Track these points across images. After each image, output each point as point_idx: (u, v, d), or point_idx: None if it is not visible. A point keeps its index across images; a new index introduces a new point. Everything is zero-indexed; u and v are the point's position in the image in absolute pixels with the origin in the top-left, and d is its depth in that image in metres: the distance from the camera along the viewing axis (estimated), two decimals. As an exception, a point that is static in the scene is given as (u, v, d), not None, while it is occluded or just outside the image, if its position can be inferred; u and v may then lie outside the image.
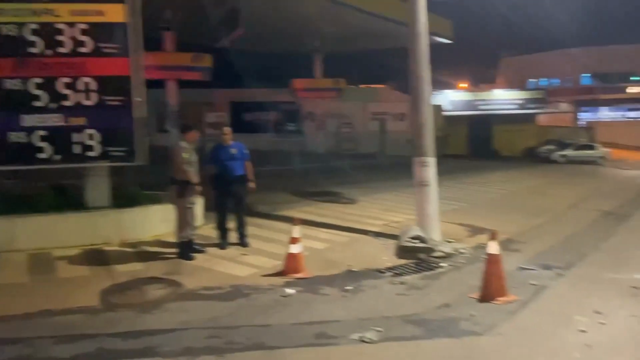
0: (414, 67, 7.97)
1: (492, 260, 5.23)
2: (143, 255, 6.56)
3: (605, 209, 12.10)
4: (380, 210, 10.58)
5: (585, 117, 51.84)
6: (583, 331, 4.34)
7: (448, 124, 31.24)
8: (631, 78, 47.13)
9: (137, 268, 6.11)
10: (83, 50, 6.64)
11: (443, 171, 19.85)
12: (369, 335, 4.14)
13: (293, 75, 24.55)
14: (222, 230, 7.13)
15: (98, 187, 7.34)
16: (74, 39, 6.61)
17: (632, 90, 44.17)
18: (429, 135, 8.01)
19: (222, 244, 7.03)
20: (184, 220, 6.46)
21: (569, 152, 29.48)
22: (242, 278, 5.84)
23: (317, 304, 5.05)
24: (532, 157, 31.18)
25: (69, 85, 6.63)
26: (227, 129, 7.21)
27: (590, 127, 42.17)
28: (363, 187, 13.82)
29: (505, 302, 5.09)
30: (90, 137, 6.74)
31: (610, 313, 4.82)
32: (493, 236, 5.30)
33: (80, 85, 6.65)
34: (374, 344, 4.02)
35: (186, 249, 6.51)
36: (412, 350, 3.94)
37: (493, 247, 5.25)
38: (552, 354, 3.87)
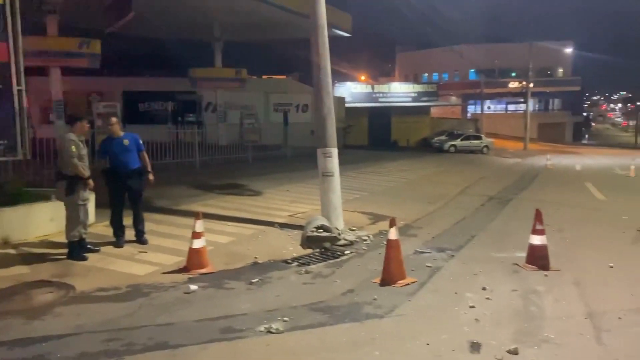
0: (316, 59, 8.06)
1: (391, 245, 5.47)
2: (29, 258, 5.99)
3: (490, 194, 13.21)
4: (285, 201, 10.63)
5: (472, 109, 56.07)
6: (472, 307, 4.70)
7: (350, 115, 32.13)
8: (512, 74, 51.66)
9: (22, 271, 5.57)
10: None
11: (345, 161, 20.40)
12: (276, 325, 4.15)
13: (193, 64, 23.71)
14: (118, 227, 6.73)
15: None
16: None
17: (512, 85, 48.39)
18: (331, 127, 8.16)
19: (118, 242, 6.64)
20: (75, 218, 6.00)
21: (457, 143, 31.68)
22: (141, 277, 5.56)
23: (222, 298, 4.96)
24: (427, 147, 33.14)
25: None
26: (114, 119, 6.79)
27: (476, 119, 45.67)
28: (268, 178, 13.79)
29: (404, 285, 5.36)
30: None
31: (495, 289, 5.27)
32: (392, 223, 5.54)
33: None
34: (281, 334, 4.04)
35: (77, 248, 6.05)
36: (318, 337, 4.02)
37: (392, 233, 5.50)
38: (446, 330, 4.15)
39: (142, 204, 7.02)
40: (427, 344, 3.87)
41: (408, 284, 5.42)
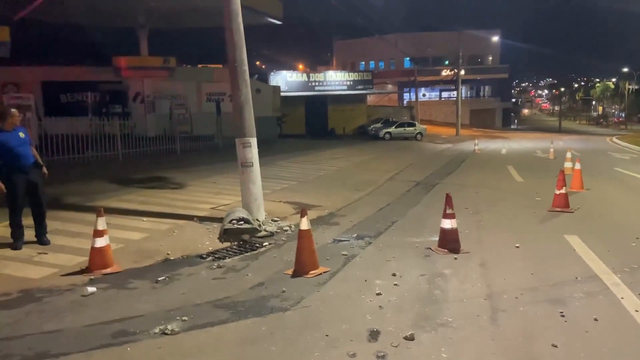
0: (231, 47, 7.81)
1: (302, 235, 5.39)
2: None
3: (416, 179, 13.50)
4: (210, 194, 10.33)
5: (408, 97, 57.33)
6: (379, 294, 4.70)
7: (286, 104, 31.89)
8: (445, 62, 53.13)
9: None
10: None
11: (278, 151, 20.26)
12: (172, 326, 3.96)
13: (119, 53, 22.61)
14: (16, 228, 6.24)
15: None
16: None
17: (445, 73, 49.84)
18: (249, 116, 7.95)
19: (16, 244, 6.17)
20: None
21: (392, 130, 32.28)
22: (37, 280, 5.18)
23: (122, 300, 4.70)
24: (363, 135, 33.55)
25: None
26: (15, 111, 6.28)
27: (411, 107, 46.74)
28: (195, 170, 13.40)
29: (316, 275, 5.31)
30: None
31: (404, 274, 5.32)
32: (303, 213, 5.46)
33: None
34: (176, 335, 3.85)
35: (-34, 253, 5.56)
36: (216, 336, 3.87)
37: (303, 223, 5.41)
38: (348, 319, 4.11)
39: (44, 201, 6.56)
40: (327, 335, 3.81)
41: (320, 273, 5.37)
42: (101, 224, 5.57)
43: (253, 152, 7.94)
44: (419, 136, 32.87)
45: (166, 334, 3.87)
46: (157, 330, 3.92)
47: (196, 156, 16.57)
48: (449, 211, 6.22)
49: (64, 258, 5.92)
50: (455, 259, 5.91)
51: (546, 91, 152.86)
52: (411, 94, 53.44)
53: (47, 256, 5.98)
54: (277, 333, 3.87)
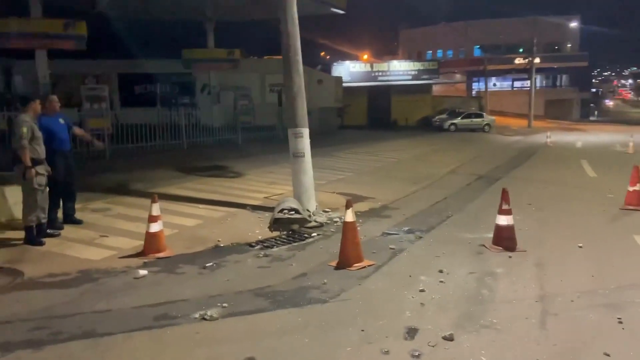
0: (285, 37, 7.83)
1: (347, 227, 5.33)
2: (-16, 243, 5.93)
3: (479, 173, 12.98)
4: (265, 183, 10.49)
5: (477, 87, 55.25)
6: (422, 290, 4.56)
7: (348, 95, 31.72)
8: (520, 50, 50.59)
9: (-27, 258, 5.51)
10: None
11: (337, 142, 20.19)
12: (211, 312, 4.05)
13: (188, 46, 23.40)
14: (56, 208, 6.63)
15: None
16: None
17: (518, 61, 47.50)
18: (302, 106, 7.95)
19: (55, 224, 6.52)
20: (32, 202, 5.91)
21: (458, 121, 31.22)
22: (96, 262, 5.48)
23: (168, 284, 4.86)
24: (427, 127, 32.71)
25: None
26: (55, 97, 6.67)
27: (480, 97, 44.97)
28: (254, 160, 13.66)
29: (360, 268, 5.23)
30: None
31: (452, 271, 5.12)
32: (348, 204, 5.39)
33: None
34: (214, 321, 3.93)
35: (35, 233, 5.97)
36: (251, 324, 3.91)
37: (349, 215, 5.35)
38: (386, 315, 4.02)
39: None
40: (362, 330, 3.74)
41: (364, 267, 5.29)
42: (155, 209, 5.79)
43: (305, 143, 7.94)
44: (486, 128, 31.57)
45: (205, 319, 3.96)
46: (197, 316, 4.02)
47: (257, 146, 16.86)
48: (505, 207, 5.91)
49: (123, 241, 6.23)
50: (510, 257, 5.62)
51: (630, 81, 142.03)
52: (480, 83, 51.40)
53: (108, 239, 6.32)
54: (312, 325, 3.85)
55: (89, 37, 15.32)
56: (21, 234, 6.08)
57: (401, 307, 4.21)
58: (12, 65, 20.07)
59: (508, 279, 4.92)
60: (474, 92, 54.42)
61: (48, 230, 6.24)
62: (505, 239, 5.91)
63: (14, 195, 6.80)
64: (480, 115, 32.96)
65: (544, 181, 11.64)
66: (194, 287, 4.74)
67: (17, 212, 6.77)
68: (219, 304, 4.26)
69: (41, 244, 5.94)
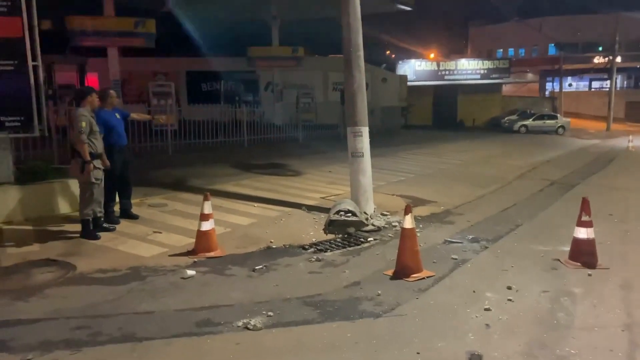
0: (346, 30, 7.50)
1: (405, 235, 4.93)
2: (44, 235, 6.03)
3: (552, 178, 12.05)
4: (323, 183, 10.22)
5: (551, 87, 52.31)
6: (488, 309, 4.08)
7: (413, 94, 30.94)
8: (599, 48, 47.36)
9: (32, 249, 5.59)
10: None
11: (400, 142, 19.65)
12: (255, 321, 3.80)
13: (251, 43, 23.69)
14: (112, 202, 6.68)
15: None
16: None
17: (597, 60, 44.48)
18: (362, 104, 7.58)
19: (111, 217, 6.57)
20: (88, 196, 5.95)
21: (529, 122, 29.63)
22: (146, 259, 5.41)
23: (216, 286, 4.68)
24: (495, 128, 31.29)
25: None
26: (113, 92, 6.70)
27: (553, 97, 42.54)
28: (314, 158, 13.45)
29: (418, 279, 4.82)
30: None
31: (522, 288, 4.59)
32: (407, 210, 4.99)
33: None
34: (257, 331, 3.67)
35: (91, 227, 6.01)
36: (296, 337, 3.62)
37: (407, 222, 4.95)
38: (446, 336, 3.60)
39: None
40: (417, 353, 3.35)
41: (423, 278, 4.86)
42: (207, 207, 5.64)
43: (364, 142, 7.57)
44: (560, 130, 29.70)
45: (248, 328, 3.71)
46: (240, 324, 3.78)
47: (318, 144, 16.64)
48: (585, 218, 5.26)
49: (176, 238, 6.15)
50: (590, 275, 4.99)
51: None
52: (555, 83, 48.59)
53: (161, 235, 6.26)
54: (363, 342, 3.50)
55: (158, 35, 15.77)
56: (79, 227, 6.14)
57: (463, 327, 3.76)
58: (85, 62, 21.10)
59: (588, 301, 4.33)
60: (547, 93, 51.57)
61: (105, 225, 6.28)
62: (584, 254, 5.26)
63: (75, 189, 6.94)
64: (554, 117, 31.09)
65: (626, 189, 10.58)
66: (240, 291, 4.52)
67: (76, 205, 6.91)
68: (264, 312, 4.00)
69: (97, 237, 5.96)
